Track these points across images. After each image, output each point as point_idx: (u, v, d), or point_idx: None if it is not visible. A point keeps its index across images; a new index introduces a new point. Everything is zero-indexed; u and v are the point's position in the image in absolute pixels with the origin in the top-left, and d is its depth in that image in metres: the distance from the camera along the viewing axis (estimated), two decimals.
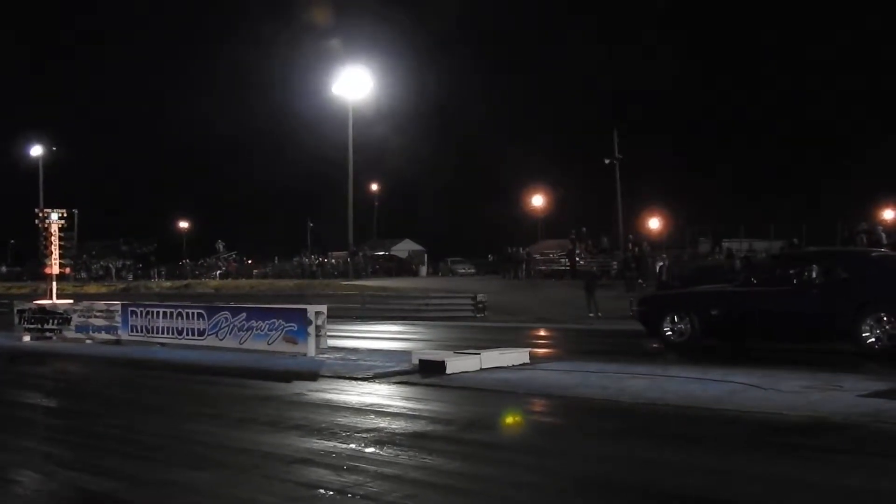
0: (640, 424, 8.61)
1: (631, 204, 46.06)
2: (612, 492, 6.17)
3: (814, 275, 13.86)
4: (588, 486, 6.37)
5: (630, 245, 37.34)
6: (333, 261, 53.28)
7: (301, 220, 75.74)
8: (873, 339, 12.89)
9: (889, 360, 12.29)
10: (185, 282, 48.97)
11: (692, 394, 9.85)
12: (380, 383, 11.87)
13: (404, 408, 9.90)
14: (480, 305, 27.42)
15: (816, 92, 73.36)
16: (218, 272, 54.55)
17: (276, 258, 58.58)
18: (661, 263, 28.22)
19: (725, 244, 35.50)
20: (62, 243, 23.95)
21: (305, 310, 15.61)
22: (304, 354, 15.04)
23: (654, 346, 15.58)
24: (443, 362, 12.37)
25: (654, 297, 17.37)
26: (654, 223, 48.34)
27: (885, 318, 12.82)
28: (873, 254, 15.83)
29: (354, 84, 42.92)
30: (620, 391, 10.26)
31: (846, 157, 61.48)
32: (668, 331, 15.19)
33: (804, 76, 78.54)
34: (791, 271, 14.34)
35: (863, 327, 12.91)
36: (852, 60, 79.37)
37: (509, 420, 9.39)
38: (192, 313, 17.63)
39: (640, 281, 30.15)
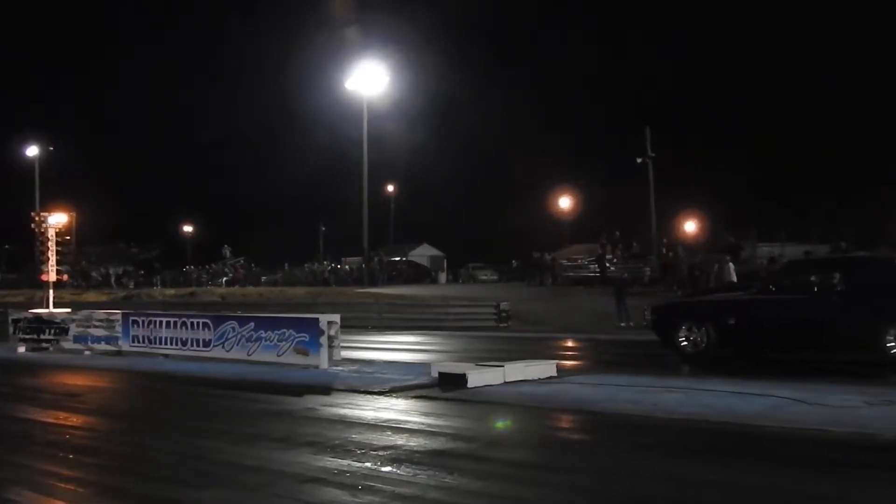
0: (675, 441, 8.59)
1: (664, 206, 45.82)
2: None
3: (834, 282, 13.93)
4: None
5: (664, 249, 37.20)
6: (347, 267, 53.48)
7: (313, 223, 76.06)
8: None
9: None
10: (189, 289, 49.30)
11: (731, 408, 9.82)
12: (397, 397, 11.89)
13: (423, 424, 9.91)
14: (504, 314, 27.35)
15: (862, 88, 72.78)
16: (224, 279, 54.82)
17: (287, 264, 58.77)
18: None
19: (766, 249, 35.24)
20: (60, 248, 24.11)
21: (317, 319, 15.67)
22: (317, 367, 15.09)
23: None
24: (464, 375, 12.38)
25: (669, 306, 17.43)
26: (690, 226, 48.12)
27: None
28: None
29: (369, 79, 43.00)
30: (654, 405, 10.23)
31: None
32: (682, 341, 15.31)
33: (848, 72, 77.97)
34: (811, 278, 14.43)
35: (886, 337, 13.02)
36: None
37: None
38: (198, 323, 17.73)
39: (674, 287, 30.00)
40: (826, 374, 12.68)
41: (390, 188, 76.42)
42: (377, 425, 9.77)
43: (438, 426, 9.76)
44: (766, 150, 71.36)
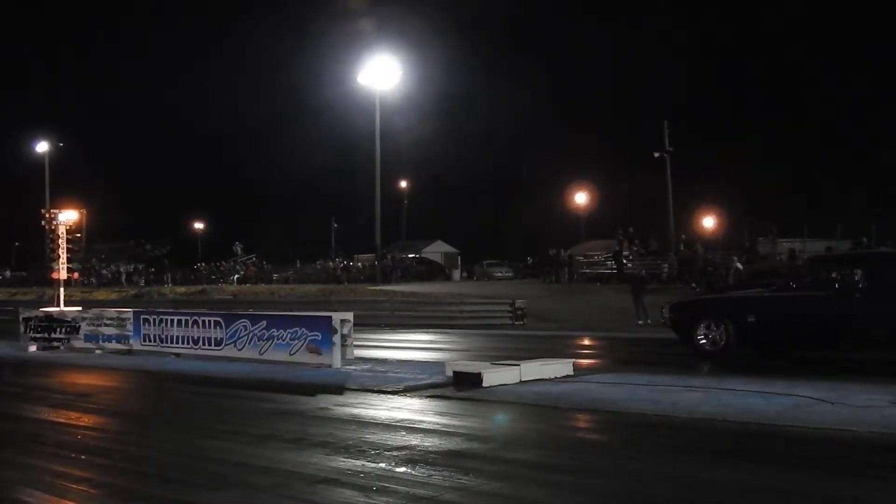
0: (696, 442, 8.56)
1: (682, 201, 45.68)
2: None
3: (857, 279, 13.85)
4: None
5: (682, 246, 37.07)
6: (359, 264, 53.43)
7: (325, 220, 76.13)
8: None
9: None
10: (200, 287, 49.40)
11: (753, 408, 9.78)
12: (411, 397, 11.89)
13: (438, 424, 9.91)
14: (519, 312, 27.36)
15: (888, 82, 72.40)
16: (235, 277, 54.92)
17: (298, 261, 58.80)
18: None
19: (786, 244, 35.13)
20: (70, 246, 24.20)
21: (330, 317, 15.68)
22: (329, 366, 15.11)
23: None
24: (479, 374, 12.36)
25: (687, 304, 17.37)
26: (709, 222, 48.00)
27: None
28: None
29: (382, 73, 42.89)
30: (673, 405, 10.20)
31: None
32: (701, 339, 15.30)
33: (872, 65, 77.64)
34: (833, 275, 14.35)
35: None
36: None
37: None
38: (209, 321, 17.78)
39: (693, 285, 29.91)
40: (849, 372, 12.62)
41: (403, 184, 76.43)
42: (391, 425, 9.77)
43: (453, 426, 9.75)
44: (789, 144, 71.11)
